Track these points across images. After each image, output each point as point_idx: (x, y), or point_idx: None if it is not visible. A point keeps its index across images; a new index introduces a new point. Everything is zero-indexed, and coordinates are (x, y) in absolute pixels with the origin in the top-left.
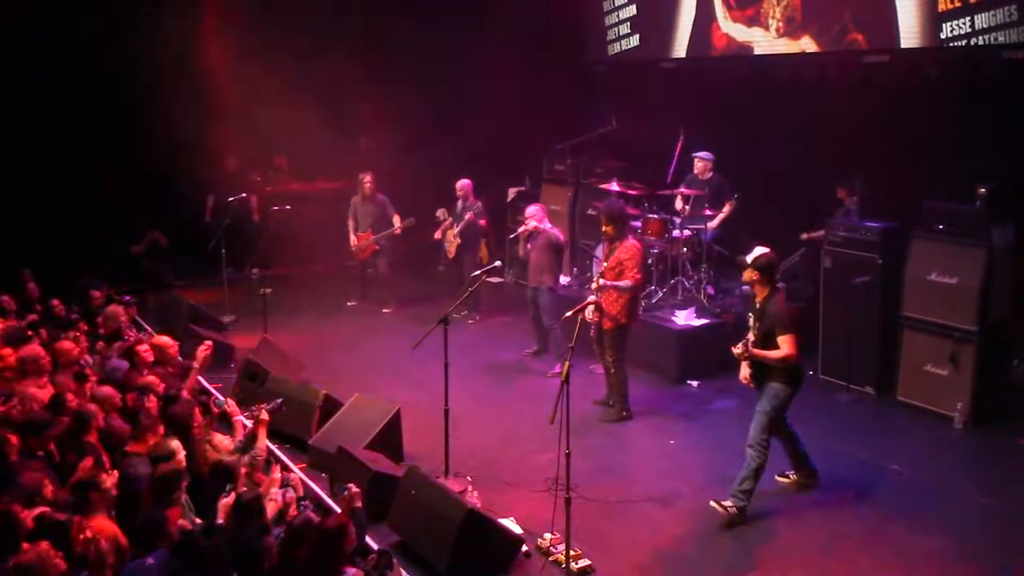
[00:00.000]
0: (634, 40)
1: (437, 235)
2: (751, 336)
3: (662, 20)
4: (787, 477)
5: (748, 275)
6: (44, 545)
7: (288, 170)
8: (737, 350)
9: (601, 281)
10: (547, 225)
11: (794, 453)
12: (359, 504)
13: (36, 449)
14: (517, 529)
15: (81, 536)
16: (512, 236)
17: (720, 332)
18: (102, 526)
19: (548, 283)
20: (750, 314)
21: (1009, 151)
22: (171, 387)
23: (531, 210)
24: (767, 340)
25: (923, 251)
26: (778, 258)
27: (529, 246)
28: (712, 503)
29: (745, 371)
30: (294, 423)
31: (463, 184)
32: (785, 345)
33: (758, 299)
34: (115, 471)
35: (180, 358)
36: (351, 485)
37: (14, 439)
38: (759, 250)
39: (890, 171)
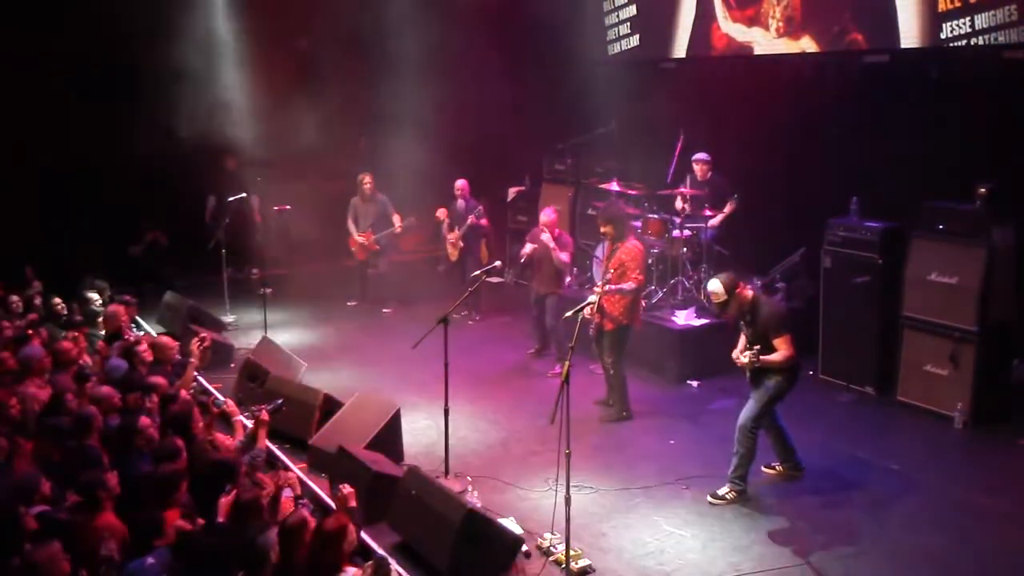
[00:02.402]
0: (634, 40)
1: (450, 237)
2: (742, 339)
3: (662, 20)
4: (773, 468)
5: (719, 307)
6: (56, 546)
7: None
8: (744, 360)
9: (606, 287)
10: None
11: (782, 448)
12: (353, 504)
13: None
14: (517, 529)
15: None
16: (520, 255)
17: (720, 332)
18: (110, 524)
19: (559, 290)
20: (741, 322)
21: (1009, 151)
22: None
23: (546, 220)
24: (761, 342)
25: (923, 251)
26: (735, 278)
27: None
28: (709, 499)
29: (739, 348)
30: (294, 423)
31: (461, 184)
32: (783, 347)
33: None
34: (115, 471)
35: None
36: (344, 485)
37: (27, 444)
38: (714, 284)
39: (890, 171)
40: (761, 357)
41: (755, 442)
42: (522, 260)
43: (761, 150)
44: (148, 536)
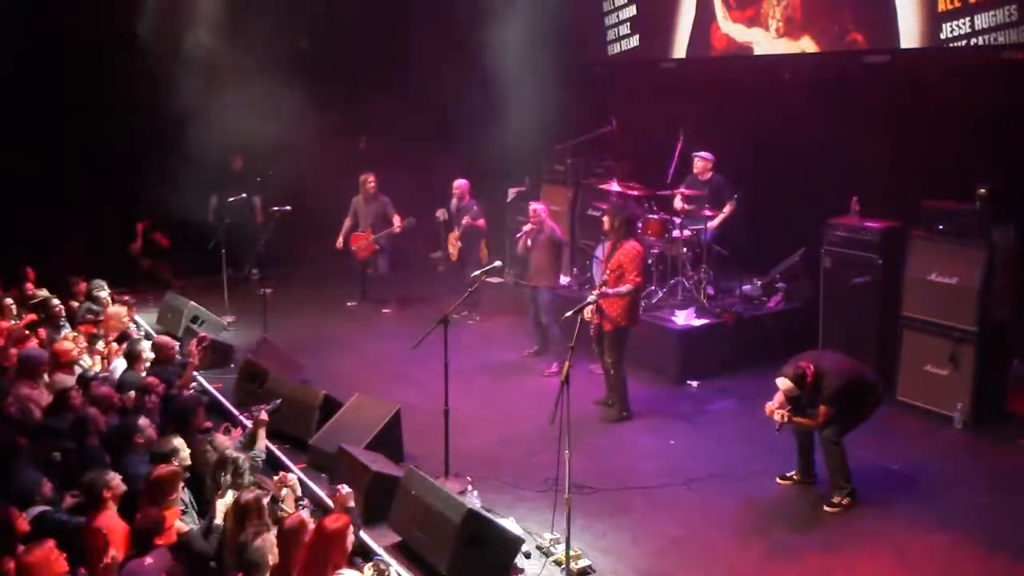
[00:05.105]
0: (634, 40)
1: (450, 238)
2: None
3: (662, 20)
4: (788, 479)
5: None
6: (49, 543)
7: (245, 173)
8: (777, 417)
9: (604, 289)
10: (549, 224)
11: (805, 463)
12: (351, 504)
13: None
14: (517, 529)
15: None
16: (517, 236)
17: (720, 332)
18: (112, 523)
19: (549, 283)
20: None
21: (1009, 151)
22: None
23: (536, 206)
24: (806, 409)
25: (923, 251)
26: (796, 364)
27: (529, 243)
28: (826, 508)
29: (776, 402)
30: (294, 423)
31: (460, 184)
32: (823, 416)
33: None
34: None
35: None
36: (342, 485)
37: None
38: (782, 382)
39: (890, 171)
40: (797, 419)
41: (839, 448)
42: (517, 236)
43: (761, 150)
44: (149, 535)
